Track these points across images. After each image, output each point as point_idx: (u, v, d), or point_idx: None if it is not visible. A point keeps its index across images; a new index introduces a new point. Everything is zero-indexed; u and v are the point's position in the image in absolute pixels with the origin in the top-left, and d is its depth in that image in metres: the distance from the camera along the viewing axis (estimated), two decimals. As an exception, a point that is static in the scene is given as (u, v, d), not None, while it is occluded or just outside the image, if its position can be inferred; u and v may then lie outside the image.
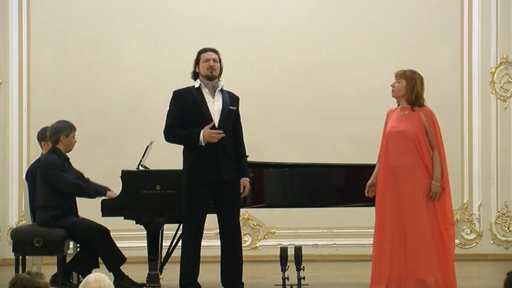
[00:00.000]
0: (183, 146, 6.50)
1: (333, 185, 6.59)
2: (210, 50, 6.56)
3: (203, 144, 6.31)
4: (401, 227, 6.19)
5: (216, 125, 6.36)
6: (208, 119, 6.36)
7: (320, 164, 7.11)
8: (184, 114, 6.45)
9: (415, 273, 6.13)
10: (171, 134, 6.48)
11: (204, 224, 6.44)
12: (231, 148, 6.45)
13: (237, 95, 6.64)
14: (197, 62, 6.54)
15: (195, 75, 6.54)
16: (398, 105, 6.40)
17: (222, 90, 6.51)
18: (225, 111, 6.43)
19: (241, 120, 6.60)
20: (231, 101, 6.50)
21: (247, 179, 6.47)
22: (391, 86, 6.39)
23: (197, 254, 6.44)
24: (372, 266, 6.31)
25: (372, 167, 6.47)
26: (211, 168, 6.33)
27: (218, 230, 6.52)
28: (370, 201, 6.44)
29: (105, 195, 6.73)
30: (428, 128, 6.26)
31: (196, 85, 6.49)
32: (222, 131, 6.32)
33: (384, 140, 6.37)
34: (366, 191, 6.40)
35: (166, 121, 6.51)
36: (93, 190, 6.85)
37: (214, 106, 6.43)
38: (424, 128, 6.26)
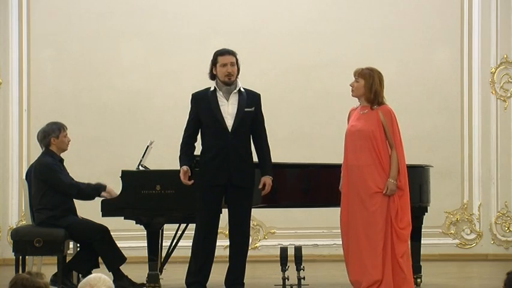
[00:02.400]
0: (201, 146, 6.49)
1: (333, 184, 6.58)
2: (227, 52, 6.44)
3: None
4: (359, 225, 6.15)
5: (229, 129, 6.32)
6: (221, 123, 6.32)
7: (320, 164, 7.10)
8: (201, 118, 6.43)
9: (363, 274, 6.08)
10: (181, 146, 6.47)
11: (215, 225, 6.40)
12: (248, 151, 6.42)
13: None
14: (214, 64, 6.42)
15: (212, 76, 6.45)
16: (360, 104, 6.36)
17: (239, 91, 6.42)
18: (239, 115, 6.35)
19: None
20: (248, 102, 6.40)
21: (269, 176, 6.41)
22: (350, 85, 6.34)
23: (204, 254, 6.39)
24: (346, 269, 6.25)
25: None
26: (221, 171, 6.32)
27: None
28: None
29: (104, 191, 6.72)
30: (386, 126, 6.19)
31: (212, 87, 6.42)
32: (191, 181, 6.30)
33: (345, 140, 6.34)
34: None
35: (185, 128, 6.51)
36: (91, 189, 6.81)
37: (228, 110, 6.36)
38: (382, 127, 6.19)
